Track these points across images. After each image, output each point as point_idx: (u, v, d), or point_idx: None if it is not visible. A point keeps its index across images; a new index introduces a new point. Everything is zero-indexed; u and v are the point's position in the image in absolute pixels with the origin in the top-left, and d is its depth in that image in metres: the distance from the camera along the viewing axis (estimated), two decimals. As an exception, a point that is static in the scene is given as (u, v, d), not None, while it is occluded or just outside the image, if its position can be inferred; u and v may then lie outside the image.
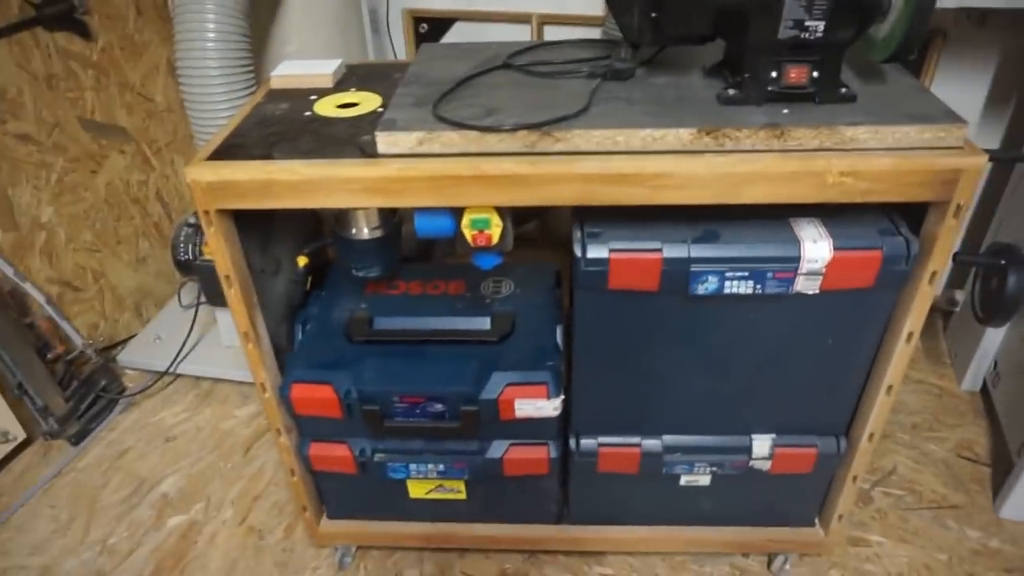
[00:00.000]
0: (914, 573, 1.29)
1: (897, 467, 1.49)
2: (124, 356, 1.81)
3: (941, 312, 1.84)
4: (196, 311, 1.70)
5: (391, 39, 1.86)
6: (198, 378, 1.79)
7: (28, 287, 1.57)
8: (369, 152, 0.87)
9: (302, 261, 1.15)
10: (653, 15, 0.86)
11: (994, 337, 1.55)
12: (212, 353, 1.77)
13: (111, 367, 1.77)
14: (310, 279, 1.20)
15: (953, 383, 1.69)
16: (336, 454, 1.14)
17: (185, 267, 1.57)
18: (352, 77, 1.12)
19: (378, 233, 1.05)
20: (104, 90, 1.69)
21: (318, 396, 1.07)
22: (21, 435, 1.59)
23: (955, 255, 1.39)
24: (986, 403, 1.62)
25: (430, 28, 1.85)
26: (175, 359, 1.72)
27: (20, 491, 1.53)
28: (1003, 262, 1.31)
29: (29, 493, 1.52)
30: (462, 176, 0.84)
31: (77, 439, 1.63)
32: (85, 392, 1.67)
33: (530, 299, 1.18)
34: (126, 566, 1.37)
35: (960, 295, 1.76)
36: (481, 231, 0.91)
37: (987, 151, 0.82)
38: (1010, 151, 1.57)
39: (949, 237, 0.87)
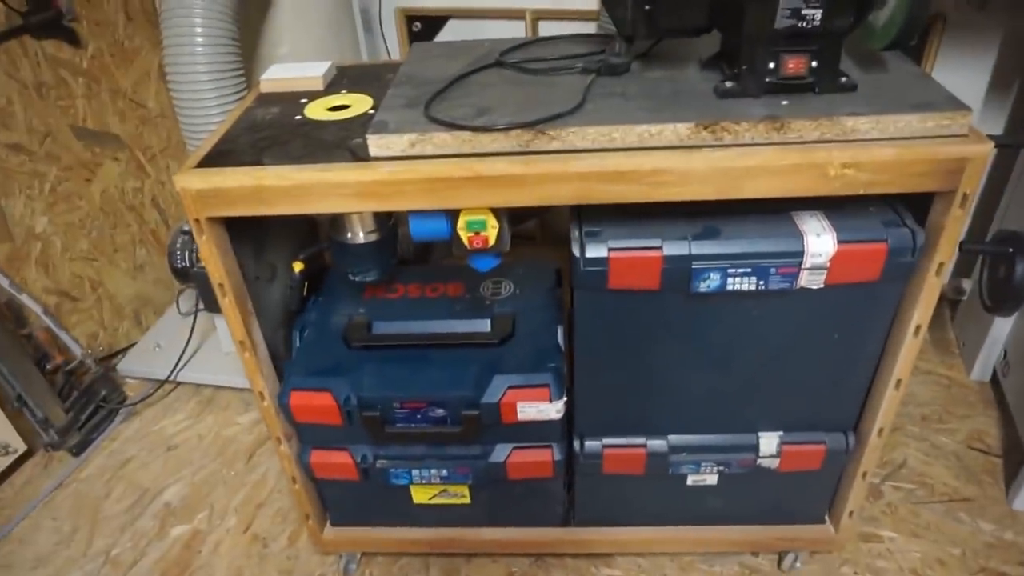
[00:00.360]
0: (927, 568, 1.27)
1: (907, 460, 1.47)
2: (124, 365, 1.80)
3: (948, 301, 1.81)
4: (195, 318, 1.69)
5: (384, 39, 1.85)
6: (199, 385, 1.78)
7: (25, 298, 1.56)
8: (360, 155, 0.85)
9: (298, 267, 1.13)
10: (647, 7, 0.84)
11: (1003, 326, 1.53)
12: (212, 360, 1.76)
13: (111, 376, 1.76)
14: (307, 285, 1.19)
15: (962, 373, 1.67)
16: (337, 461, 1.13)
17: (182, 274, 1.56)
18: (343, 79, 1.10)
19: (374, 237, 1.04)
20: (95, 97, 1.67)
21: (317, 403, 1.06)
22: (22, 447, 1.58)
23: (961, 243, 1.36)
24: (996, 393, 1.60)
25: (423, 27, 1.83)
26: (175, 367, 1.71)
27: (22, 503, 1.52)
28: (1011, 250, 1.29)
29: (31, 505, 1.51)
30: (456, 178, 0.82)
31: (78, 450, 1.62)
32: (85, 402, 1.66)
33: (530, 299, 1.17)
34: (130, 577, 1.36)
35: (967, 284, 1.74)
36: (477, 233, 0.89)
37: (992, 137, 0.80)
38: (1015, 136, 1.54)
39: (956, 227, 0.85)
